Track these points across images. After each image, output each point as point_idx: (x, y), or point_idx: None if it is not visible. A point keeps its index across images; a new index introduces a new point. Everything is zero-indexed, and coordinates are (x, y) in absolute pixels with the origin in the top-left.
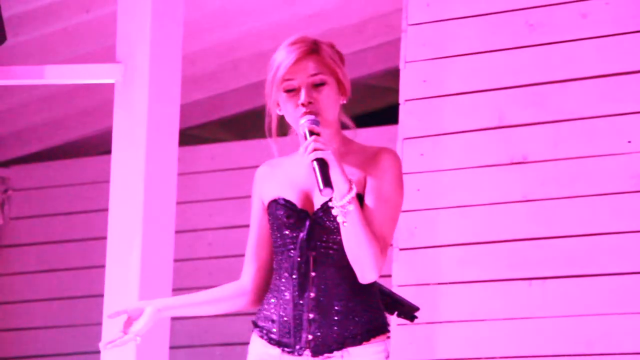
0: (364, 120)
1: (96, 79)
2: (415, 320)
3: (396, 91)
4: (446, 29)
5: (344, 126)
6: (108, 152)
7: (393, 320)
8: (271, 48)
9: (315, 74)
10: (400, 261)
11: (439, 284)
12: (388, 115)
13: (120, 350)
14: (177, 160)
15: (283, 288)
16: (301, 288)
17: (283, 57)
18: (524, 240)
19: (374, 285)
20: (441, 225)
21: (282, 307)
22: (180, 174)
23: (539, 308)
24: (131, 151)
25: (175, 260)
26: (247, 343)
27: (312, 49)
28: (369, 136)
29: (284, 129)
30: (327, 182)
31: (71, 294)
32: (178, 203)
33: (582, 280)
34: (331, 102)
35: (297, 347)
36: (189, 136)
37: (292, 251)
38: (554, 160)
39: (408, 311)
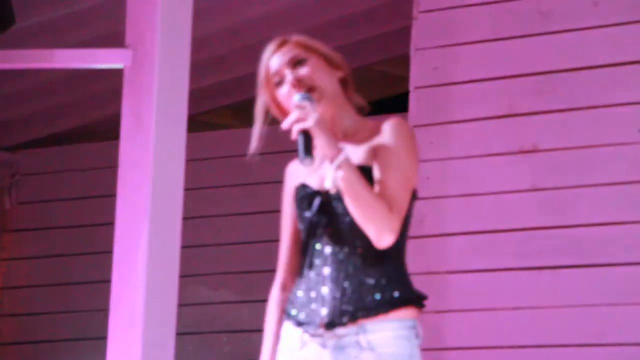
0: (373, 107)
1: (105, 64)
2: (424, 309)
3: (406, 79)
4: (456, 16)
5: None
6: (116, 137)
7: None
8: (280, 34)
9: (291, 57)
10: (409, 249)
11: (448, 272)
12: (398, 102)
13: (127, 338)
14: (185, 146)
15: (304, 269)
16: (316, 265)
17: (260, 63)
18: (533, 230)
19: (396, 258)
20: (450, 214)
21: (301, 286)
22: (188, 160)
23: (548, 297)
24: (139, 137)
25: (183, 247)
26: (253, 330)
27: (279, 44)
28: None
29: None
30: (307, 152)
31: (77, 279)
32: (186, 189)
33: (592, 270)
34: (320, 73)
35: (312, 323)
36: (198, 122)
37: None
38: (563, 149)
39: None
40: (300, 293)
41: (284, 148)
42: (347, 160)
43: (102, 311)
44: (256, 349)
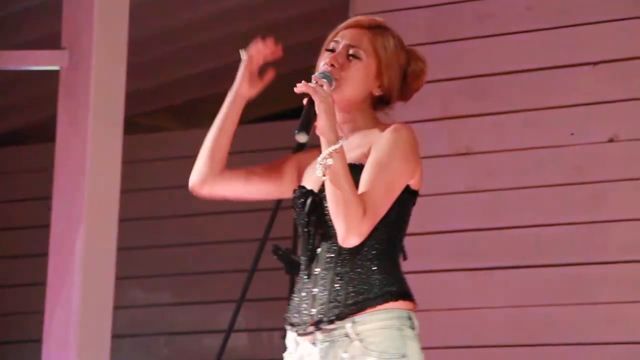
0: None
1: (41, 66)
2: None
3: None
4: (393, 19)
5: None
6: (52, 139)
7: None
8: (218, 37)
9: (353, 45)
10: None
11: None
12: None
13: (61, 339)
14: (121, 148)
15: (300, 270)
16: (309, 266)
17: (339, 26)
18: (469, 231)
19: (388, 257)
20: None
21: (296, 288)
22: (124, 162)
23: (483, 298)
24: (75, 139)
25: (119, 249)
26: (191, 332)
27: (372, 26)
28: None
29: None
30: (303, 127)
31: (12, 281)
32: (122, 191)
33: (527, 270)
34: (356, 78)
35: (303, 323)
36: (134, 124)
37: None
38: (498, 152)
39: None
40: (295, 295)
41: None
42: (340, 151)
43: (38, 313)
44: (192, 351)
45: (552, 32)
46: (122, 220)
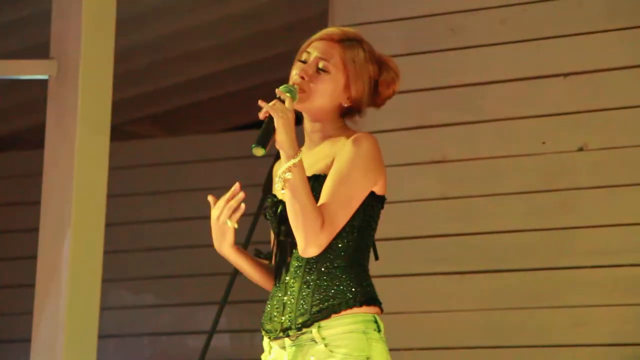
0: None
1: (30, 74)
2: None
3: None
4: (371, 31)
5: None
6: (41, 146)
7: None
8: (201, 47)
9: (323, 58)
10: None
11: None
12: None
13: (49, 339)
14: (108, 155)
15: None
16: (279, 274)
17: (311, 37)
18: (442, 237)
19: (355, 263)
20: None
21: (270, 296)
22: (111, 168)
23: (457, 302)
24: (63, 145)
25: (105, 252)
26: (174, 333)
27: (342, 39)
28: None
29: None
30: (260, 142)
31: (3, 283)
32: (109, 197)
33: (498, 275)
34: (324, 91)
35: (274, 330)
36: (120, 132)
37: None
38: (471, 160)
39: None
40: (268, 302)
41: (201, 157)
42: (299, 165)
43: (26, 314)
44: (175, 352)
45: (524, 45)
46: (108, 224)
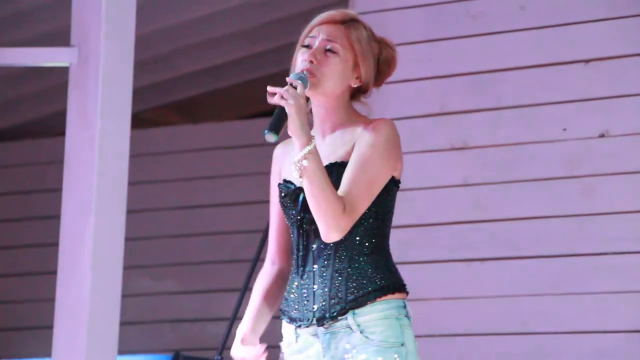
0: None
1: (51, 62)
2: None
3: None
4: (391, 18)
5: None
6: (62, 133)
7: None
8: (221, 34)
9: (330, 40)
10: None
11: None
12: None
13: (72, 327)
14: (129, 142)
15: (294, 266)
16: (304, 263)
17: (316, 18)
18: (464, 223)
19: (380, 249)
20: None
21: (293, 283)
22: (132, 156)
23: (478, 288)
24: (85, 133)
25: (127, 239)
26: (195, 320)
27: (345, 20)
28: None
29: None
30: (273, 127)
31: (26, 270)
32: (130, 184)
33: (519, 261)
34: (334, 72)
35: (304, 319)
36: (141, 119)
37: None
38: (493, 146)
39: None
40: (292, 290)
41: (221, 144)
42: (314, 151)
43: (49, 301)
44: (197, 338)
45: (545, 31)
46: (129, 211)
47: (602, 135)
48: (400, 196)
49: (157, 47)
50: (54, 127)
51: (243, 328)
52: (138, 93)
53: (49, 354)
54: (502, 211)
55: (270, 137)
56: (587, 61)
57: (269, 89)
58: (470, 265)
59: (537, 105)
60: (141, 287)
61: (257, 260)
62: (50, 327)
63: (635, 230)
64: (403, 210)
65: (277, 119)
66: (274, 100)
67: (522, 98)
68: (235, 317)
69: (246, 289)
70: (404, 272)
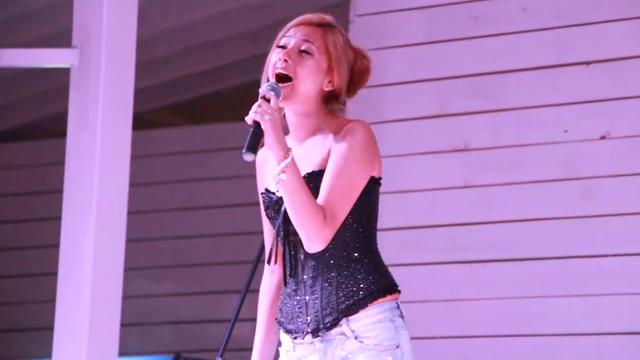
0: None
1: (53, 63)
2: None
3: None
4: (392, 20)
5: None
6: (63, 134)
7: None
8: (222, 36)
9: (306, 40)
10: None
11: None
12: None
13: (73, 328)
14: (130, 143)
15: (285, 275)
16: (294, 273)
17: (288, 24)
18: (465, 225)
19: (369, 252)
20: (384, 210)
21: (285, 295)
22: (133, 157)
23: (479, 290)
24: (86, 134)
25: (128, 241)
26: (195, 321)
27: (322, 24)
28: None
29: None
30: (250, 147)
31: (26, 271)
32: (131, 185)
33: (520, 263)
34: (309, 74)
35: (299, 331)
36: (142, 120)
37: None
38: (493, 148)
39: None
40: (286, 301)
41: (222, 146)
42: (292, 165)
43: (49, 303)
44: (197, 340)
45: (546, 33)
46: (130, 213)
47: (603, 137)
48: (401, 198)
49: (158, 49)
50: (55, 128)
51: None
52: (139, 94)
53: (49, 356)
54: (503, 213)
55: (248, 157)
56: (588, 63)
57: (247, 118)
58: (472, 267)
59: (539, 107)
60: (142, 289)
61: (257, 262)
62: (50, 329)
63: (636, 232)
64: (404, 212)
65: (253, 137)
66: (248, 119)
67: (523, 100)
68: (236, 319)
69: (247, 290)
70: (405, 274)
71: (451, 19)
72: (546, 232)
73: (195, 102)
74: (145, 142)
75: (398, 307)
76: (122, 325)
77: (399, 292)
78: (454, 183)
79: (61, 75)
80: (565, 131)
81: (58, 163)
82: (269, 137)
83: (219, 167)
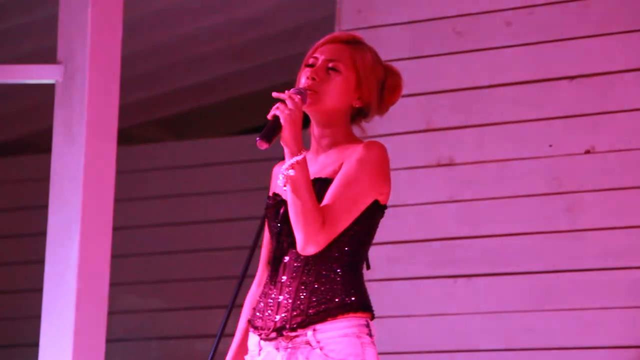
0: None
1: (37, 79)
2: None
3: None
4: (377, 34)
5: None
6: (48, 150)
7: None
8: (208, 51)
9: (333, 59)
10: None
11: (368, 280)
12: None
13: (58, 345)
14: (115, 159)
15: (268, 276)
16: (275, 273)
17: (321, 39)
18: (450, 240)
19: (352, 266)
20: None
21: (262, 293)
22: (118, 172)
23: (463, 305)
24: (71, 150)
25: (113, 256)
26: (181, 337)
27: (349, 41)
28: None
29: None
30: (265, 135)
31: (11, 287)
32: (116, 201)
33: (505, 278)
34: (336, 90)
35: (266, 328)
36: (128, 136)
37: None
38: (479, 163)
39: None
40: (260, 300)
41: (208, 161)
42: (302, 162)
43: (34, 319)
44: (183, 355)
45: (530, 47)
46: (116, 228)
47: (587, 152)
48: (387, 212)
49: (143, 64)
50: (40, 144)
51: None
52: (124, 109)
53: None
54: (488, 227)
55: (262, 144)
56: (572, 77)
57: (274, 94)
58: (456, 281)
59: (523, 121)
60: (128, 304)
61: (244, 277)
62: (36, 345)
63: (622, 246)
64: (390, 226)
65: (270, 128)
66: (270, 113)
67: (508, 114)
68: (222, 334)
69: (233, 305)
70: (390, 288)
71: (436, 34)
72: (531, 247)
73: (180, 117)
74: (131, 158)
75: (367, 325)
76: (108, 341)
77: (373, 314)
78: (439, 198)
79: (46, 91)
80: (550, 146)
81: (43, 179)
82: (285, 131)
83: (204, 182)
